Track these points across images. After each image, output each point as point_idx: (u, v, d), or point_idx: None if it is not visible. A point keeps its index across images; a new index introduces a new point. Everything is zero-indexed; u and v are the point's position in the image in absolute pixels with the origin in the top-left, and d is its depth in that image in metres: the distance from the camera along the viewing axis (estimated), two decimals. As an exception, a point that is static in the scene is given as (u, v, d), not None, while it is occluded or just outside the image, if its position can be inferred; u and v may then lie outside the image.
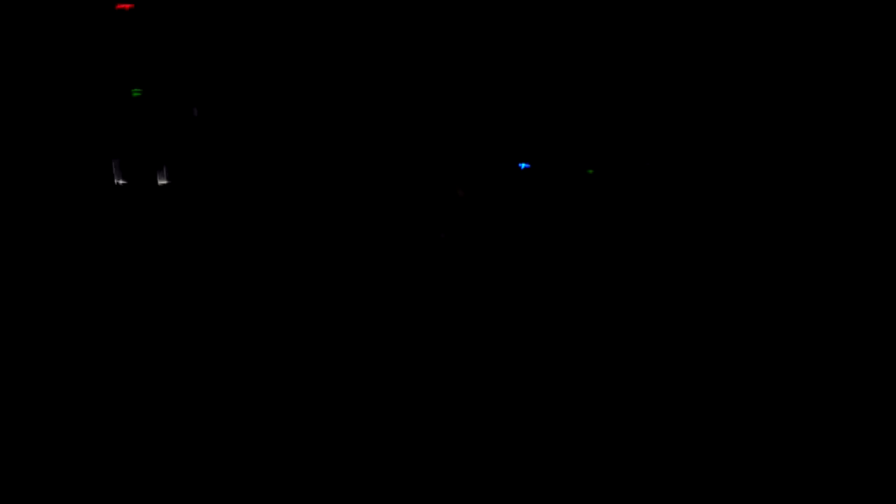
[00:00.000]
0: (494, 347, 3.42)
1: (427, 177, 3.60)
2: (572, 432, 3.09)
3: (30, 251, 3.42)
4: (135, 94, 3.47)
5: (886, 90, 3.37)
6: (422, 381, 3.33)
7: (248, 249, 3.54)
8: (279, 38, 3.55)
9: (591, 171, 3.48)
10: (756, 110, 3.53)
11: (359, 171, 3.59)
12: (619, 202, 3.55)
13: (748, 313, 3.41)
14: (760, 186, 3.51)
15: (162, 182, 3.49)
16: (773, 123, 3.51)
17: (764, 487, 3.06)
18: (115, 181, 3.47)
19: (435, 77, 3.59)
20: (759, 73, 3.51)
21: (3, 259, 3.39)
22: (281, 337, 3.42)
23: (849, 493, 3.00)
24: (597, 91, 3.58)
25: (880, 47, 3.34)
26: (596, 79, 3.57)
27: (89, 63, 3.48)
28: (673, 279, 3.48)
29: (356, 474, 2.97)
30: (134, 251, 3.49)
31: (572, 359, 3.39)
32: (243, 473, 3.09)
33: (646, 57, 3.55)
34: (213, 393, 3.30)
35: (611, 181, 3.56)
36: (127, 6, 3.44)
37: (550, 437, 3.09)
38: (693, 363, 3.34)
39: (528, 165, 3.58)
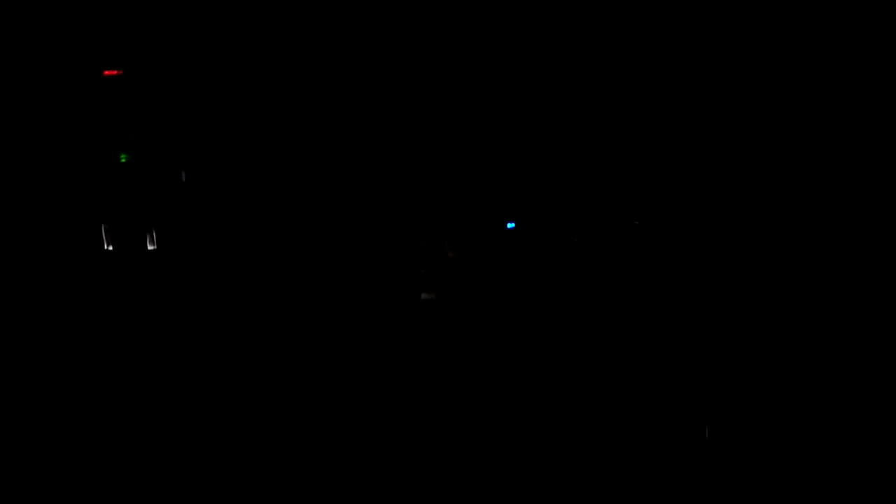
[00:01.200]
0: (481, 410, 3.42)
1: (415, 237, 3.60)
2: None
3: (22, 318, 3.43)
4: (123, 160, 3.48)
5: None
6: (402, 441, 3.33)
7: (236, 311, 3.55)
8: (266, 101, 3.56)
9: (575, 240, 3.49)
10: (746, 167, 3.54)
11: (346, 233, 3.59)
12: (609, 264, 3.56)
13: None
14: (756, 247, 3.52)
15: (151, 247, 3.49)
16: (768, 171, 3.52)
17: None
18: (105, 247, 3.48)
19: (421, 137, 3.60)
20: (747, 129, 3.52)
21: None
22: (260, 401, 3.43)
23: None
24: (584, 150, 3.59)
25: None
26: (583, 137, 3.58)
27: (77, 129, 3.49)
28: (664, 342, 3.47)
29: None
30: (124, 316, 3.49)
31: (557, 422, 3.39)
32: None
33: (630, 114, 3.55)
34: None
35: (599, 243, 3.56)
36: (115, 73, 3.45)
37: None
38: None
39: (514, 226, 3.59)
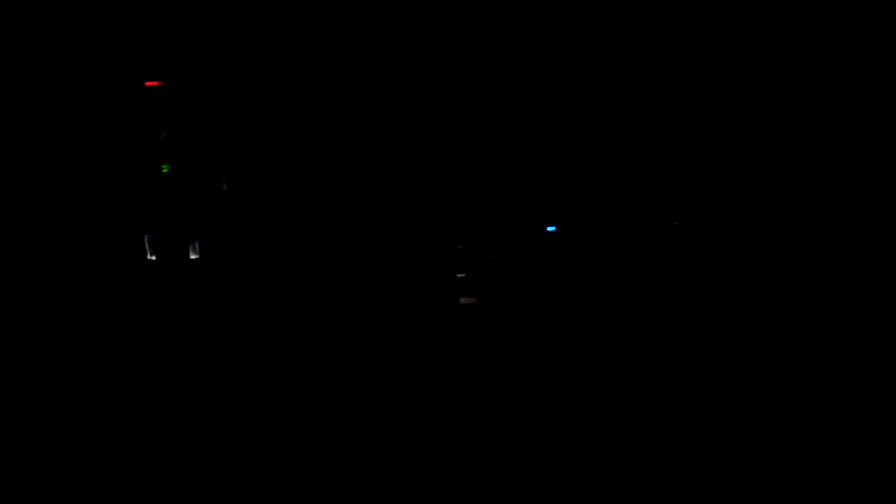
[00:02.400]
0: (513, 414, 3.43)
1: (454, 240, 3.62)
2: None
3: (60, 330, 3.45)
4: (164, 170, 3.50)
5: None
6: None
7: (274, 322, 3.57)
8: (309, 110, 3.58)
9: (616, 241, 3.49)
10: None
11: (385, 238, 3.61)
12: (649, 263, 3.56)
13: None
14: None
15: (193, 256, 3.51)
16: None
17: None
18: (147, 256, 3.50)
19: (460, 141, 3.61)
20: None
21: (29, 337, 3.42)
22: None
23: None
24: (622, 152, 3.60)
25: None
26: (622, 141, 3.59)
27: (119, 140, 3.51)
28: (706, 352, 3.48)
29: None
30: (163, 324, 3.51)
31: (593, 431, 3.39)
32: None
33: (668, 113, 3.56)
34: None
35: (637, 241, 3.57)
36: (155, 83, 3.48)
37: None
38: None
39: (554, 229, 3.60)
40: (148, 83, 3.47)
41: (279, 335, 3.53)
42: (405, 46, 3.53)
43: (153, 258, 3.50)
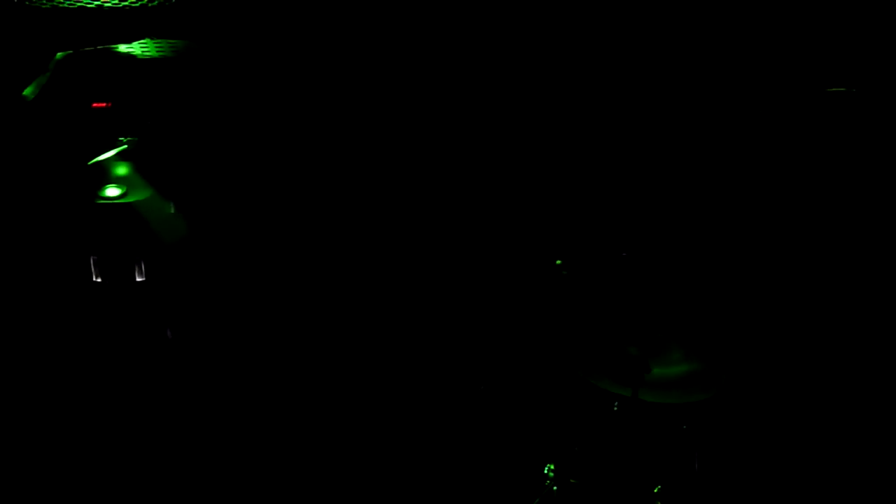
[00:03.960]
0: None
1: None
2: None
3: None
4: (112, 192, 3.47)
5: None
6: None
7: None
8: (250, 126, 3.56)
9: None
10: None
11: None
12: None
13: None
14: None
15: (139, 279, 3.49)
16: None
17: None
18: (93, 278, 3.48)
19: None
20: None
21: None
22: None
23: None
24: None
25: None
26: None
27: (67, 159, 3.49)
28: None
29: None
30: (108, 346, 3.49)
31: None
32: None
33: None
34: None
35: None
36: (103, 105, 3.45)
37: None
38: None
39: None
40: (96, 104, 3.45)
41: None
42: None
43: (98, 280, 3.48)
